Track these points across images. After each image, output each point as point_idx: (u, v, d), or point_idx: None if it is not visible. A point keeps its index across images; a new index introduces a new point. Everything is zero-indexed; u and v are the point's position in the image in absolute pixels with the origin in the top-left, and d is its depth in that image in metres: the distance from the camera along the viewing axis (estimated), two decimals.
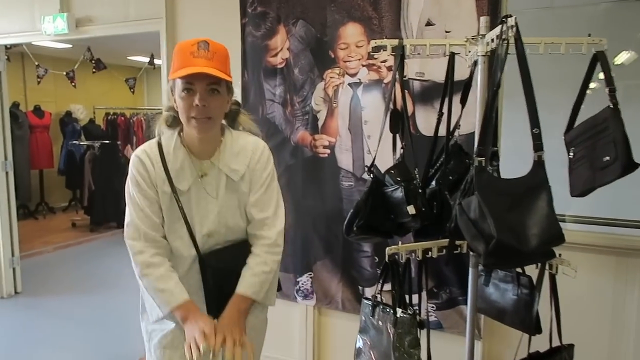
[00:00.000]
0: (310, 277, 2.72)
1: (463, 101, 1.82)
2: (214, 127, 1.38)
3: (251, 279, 1.38)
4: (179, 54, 1.31)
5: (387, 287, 2.53)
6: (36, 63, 5.89)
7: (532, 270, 1.65)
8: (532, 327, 1.62)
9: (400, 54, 1.71)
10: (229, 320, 1.33)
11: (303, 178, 2.68)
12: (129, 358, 3.08)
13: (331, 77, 2.54)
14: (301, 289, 2.76)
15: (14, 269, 4.21)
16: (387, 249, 1.64)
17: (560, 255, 1.51)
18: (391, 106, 1.78)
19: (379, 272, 2.53)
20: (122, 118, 8.27)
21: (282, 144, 2.70)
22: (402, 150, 1.86)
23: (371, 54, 2.36)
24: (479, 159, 1.36)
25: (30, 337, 3.44)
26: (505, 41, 1.38)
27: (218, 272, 1.39)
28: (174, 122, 1.42)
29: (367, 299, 1.76)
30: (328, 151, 2.59)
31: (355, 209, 1.77)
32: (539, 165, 1.32)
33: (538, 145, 1.31)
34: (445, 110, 1.82)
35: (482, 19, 1.65)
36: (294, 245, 2.71)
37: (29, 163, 7.21)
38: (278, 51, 2.65)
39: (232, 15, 2.76)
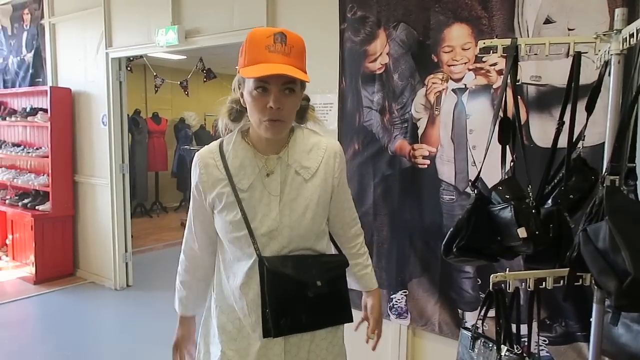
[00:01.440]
0: (405, 295, 2.56)
1: (589, 108, 1.56)
2: (287, 128, 1.27)
3: (371, 272, 1.49)
4: (253, 45, 1.16)
5: (491, 312, 2.30)
6: (154, 73, 6.37)
7: None
8: None
9: (513, 55, 1.51)
10: (379, 315, 1.48)
11: (400, 190, 2.53)
12: None
13: (433, 83, 2.37)
14: (395, 306, 2.60)
15: (126, 264, 4.55)
16: (492, 276, 1.44)
17: None
18: (501, 114, 1.57)
19: (482, 295, 2.31)
20: None
21: (379, 153, 2.58)
22: (512, 163, 1.65)
23: (479, 56, 2.15)
24: (612, 177, 1.13)
25: (136, 329, 3.67)
26: None
27: (279, 278, 1.23)
28: (238, 115, 1.31)
29: (466, 329, 1.57)
30: (428, 162, 2.41)
31: (456, 228, 1.59)
32: None
33: None
34: (567, 118, 1.57)
35: (617, 11, 1.40)
36: (388, 260, 2.57)
37: (147, 165, 7.83)
38: (377, 56, 2.54)
39: (331, 22, 2.71)
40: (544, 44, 1.50)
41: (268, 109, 1.17)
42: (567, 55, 1.61)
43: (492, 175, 2.03)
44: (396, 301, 2.60)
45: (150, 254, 5.73)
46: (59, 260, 4.69)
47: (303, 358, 1.32)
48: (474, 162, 2.27)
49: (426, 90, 2.39)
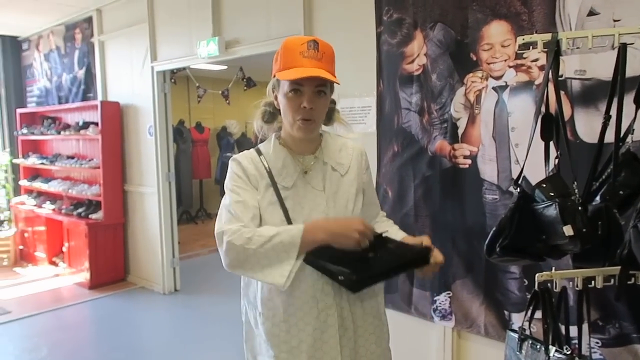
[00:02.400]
0: (449, 297, 2.53)
1: (638, 100, 1.51)
2: (318, 128, 1.38)
3: (399, 230, 1.53)
4: (288, 52, 1.27)
5: (539, 313, 2.25)
6: (197, 84, 6.56)
7: None
8: None
9: (554, 49, 1.48)
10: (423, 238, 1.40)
11: (441, 190, 2.50)
12: None
13: (473, 82, 2.34)
14: (438, 308, 2.57)
15: (174, 269, 4.70)
16: (537, 275, 1.41)
17: None
18: (543, 110, 1.54)
19: (528, 296, 2.26)
20: None
21: (419, 154, 2.57)
22: (556, 160, 1.61)
23: (520, 52, 2.11)
24: None
25: (184, 333, 3.78)
26: None
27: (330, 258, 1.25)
28: (270, 117, 1.40)
29: (513, 330, 1.54)
30: (469, 161, 2.39)
31: (499, 227, 1.57)
32: None
33: None
34: (613, 112, 1.52)
35: None
36: None
37: (191, 173, 8.06)
38: (414, 58, 2.53)
39: (367, 25, 2.73)
40: (587, 37, 1.46)
41: (302, 108, 1.27)
42: (612, 47, 1.56)
43: (536, 173, 2.00)
44: (440, 303, 2.57)
45: (196, 260, 5.89)
46: (111, 267, 4.90)
47: (355, 350, 1.36)
48: (517, 160, 2.23)
49: (465, 90, 2.37)
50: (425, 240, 1.37)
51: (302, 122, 1.29)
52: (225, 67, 6.94)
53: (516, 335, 1.50)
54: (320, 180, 1.37)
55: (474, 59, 2.33)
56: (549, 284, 1.42)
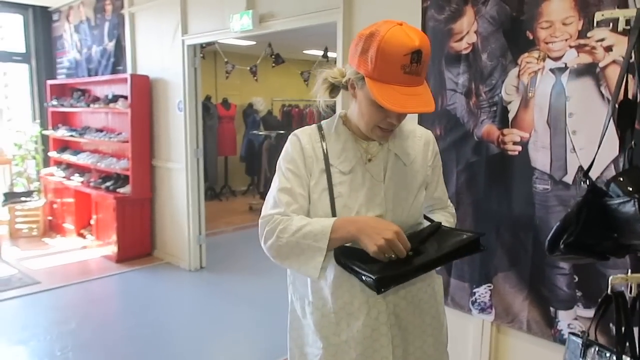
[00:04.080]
0: (490, 290, 2.41)
1: None
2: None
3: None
4: (386, 60, 1.08)
5: (585, 313, 2.12)
6: (225, 60, 6.45)
7: None
8: None
9: (638, 27, 1.32)
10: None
11: (487, 178, 2.37)
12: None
13: (528, 62, 2.17)
14: (477, 301, 2.46)
15: (200, 246, 4.68)
16: (611, 277, 1.29)
17: None
18: (622, 96, 1.39)
19: (578, 294, 2.13)
20: (297, 109, 8.73)
21: (464, 139, 2.43)
22: (630, 151, 1.46)
23: (591, 31, 1.93)
24: None
25: (208, 310, 3.77)
26: None
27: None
28: (334, 90, 1.28)
29: (575, 334, 1.42)
30: (519, 148, 2.24)
31: (563, 222, 1.44)
32: None
33: None
34: None
35: None
36: None
37: (217, 150, 8.02)
38: (464, 35, 2.37)
39: (412, 0, 2.57)
40: None
41: (387, 122, 1.19)
42: None
43: (595, 163, 1.87)
44: (479, 295, 2.46)
45: (221, 236, 5.88)
46: (138, 241, 4.92)
47: (410, 345, 1.29)
48: (574, 149, 2.07)
49: (519, 71, 2.20)
50: None
51: (382, 130, 1.21)
52: (254, 42, 6.81)
53: (580, 340, 1.39)
54: (382, 170, 1.26)
55: (531, 37, 2.16)
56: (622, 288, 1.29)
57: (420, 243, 1.18)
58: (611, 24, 1.38)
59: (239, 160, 8.42)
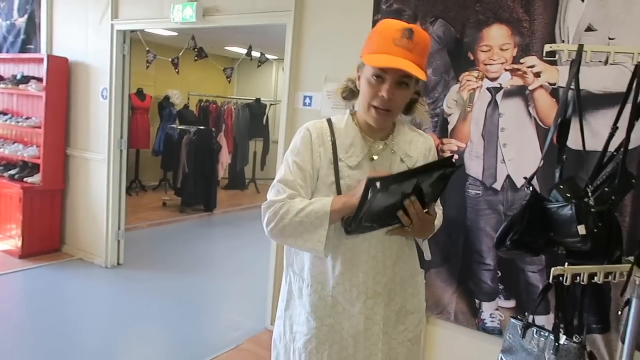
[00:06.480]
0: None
1: (637, 115, 1.66)
2: (392, 119, 1.35)
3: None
4: (380, 35, 1.23)
5: (506, 304, 2.41)
6: (147, 48, 6.18)
7: None
8: None
9: (579, 60, 1.58)
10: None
11: None
12: (212, 346, 3.16)
13: (468, 80, 2.43)
14: None
15: (118, 242, 4.46)
16: (553, 269, 1.53)
17: None
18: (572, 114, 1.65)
19: (500, 287, 2.42)
20: (214, 106, 8.58)
21: None
22: (561, 163, 1.73)
23: (524, 57, 2.23)
24: None
25: (126, 307, 3.62)
26: None
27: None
28: (349, 94, 1.39)
29: (516, 318, 1.65)
30: (456, 157, 2.49)
31: (510, 222, 1.67)
32: None
33: None
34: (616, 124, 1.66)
35: None
36: None
37: (129, 142, 7.61)
38: None
39: (364, 11, 2.72)
40: (609, 52, 1.58)
41: (380, 97, 1.24)
42: (605, 63, 1.69)
43: (521, 172, 2.18)
44: None
45: (136, 232, 5.61)
46: (45, 235, 4.55)
47: (396, 333, 1.40)
48: (503, 160, 2.36)
49: (460, 87, 2.46)
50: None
51: (376, 110, 1.26)
52: (176, 33, 6.62)
53: (520, 323, 1.61)
54: (387, 169, 1.35)
55: (472, 58, 2.42)
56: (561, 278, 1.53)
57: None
58: (557, 56, 1.63)
59: (151, 154, 8.08)
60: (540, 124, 2.25)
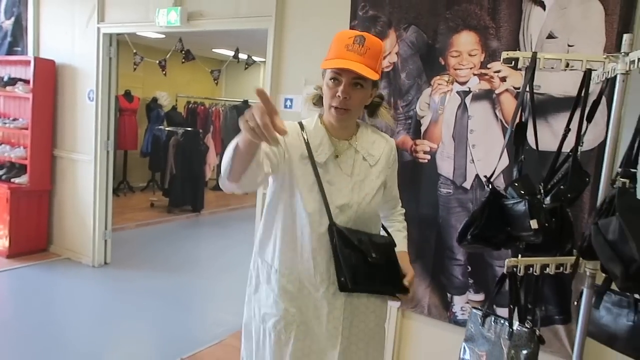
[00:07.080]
0: None
1: (590, 118, 1.78)
2: (351, 118, 1.46)
3: (404, 239, 1.70)
4: (335, 43, 1.38)
5: (475, 297, 2.53)
6: (134, 51, 6.25)
7: None
8: None
9: (533, 66, 1.70)
10: (409, 269, 1.58)
11: (400, 182, 2.69)
12: (197, 341, 3.24)
13: (439, 84, 2.55)
14: None
15: (105, 241, 4.53)
16: (506, 260, 1.64)
17: None
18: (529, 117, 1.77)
19: (470, 281, 2.54)
20: (202, 107, 8.65)
21: None
22: (520, 163, 1.85)
23: (491, 63, 2.35)
24: (623, 180, 1.34)
25: (113, 306, 3.70)
26: None
27: (347, 245, 1.42)
28: (319, 101, 1.50)
29: (476, 308, 1.77)
30: (428, 157, 2.60)
31: (471, 218, 1.78)
32: None
33: None
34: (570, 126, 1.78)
35: (626, 36, 1.62)
36: None
37: (116, 144, 7.66)
38: (386, 55, 2.69)
39: (341, 17, 2.83)
40: (560, 59, 1.70)
41: (337, 97, 1.37)
42: (565, 68, 1.81)
43: (489, 172, 2.27)
44: None
45: (123, 233, 5.68)
46: (32, 235, 4.61)
47: (356, 318, 1.51)
48: (472, 160, 2.48)
49: (432, 90, 2.57)
50: (408, 277, 1.55)
51: (335, 110, 1.39)
52: (164, 36, 6.68)
53: (480, 312, 1.73)
54: (350, 166, 1.47)
55: (442, 63, 2.53)
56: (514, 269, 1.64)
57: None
58: (513, 62, 1.74)
59: (139, 155, 8.13)
60: (506, 125, 2.37)
